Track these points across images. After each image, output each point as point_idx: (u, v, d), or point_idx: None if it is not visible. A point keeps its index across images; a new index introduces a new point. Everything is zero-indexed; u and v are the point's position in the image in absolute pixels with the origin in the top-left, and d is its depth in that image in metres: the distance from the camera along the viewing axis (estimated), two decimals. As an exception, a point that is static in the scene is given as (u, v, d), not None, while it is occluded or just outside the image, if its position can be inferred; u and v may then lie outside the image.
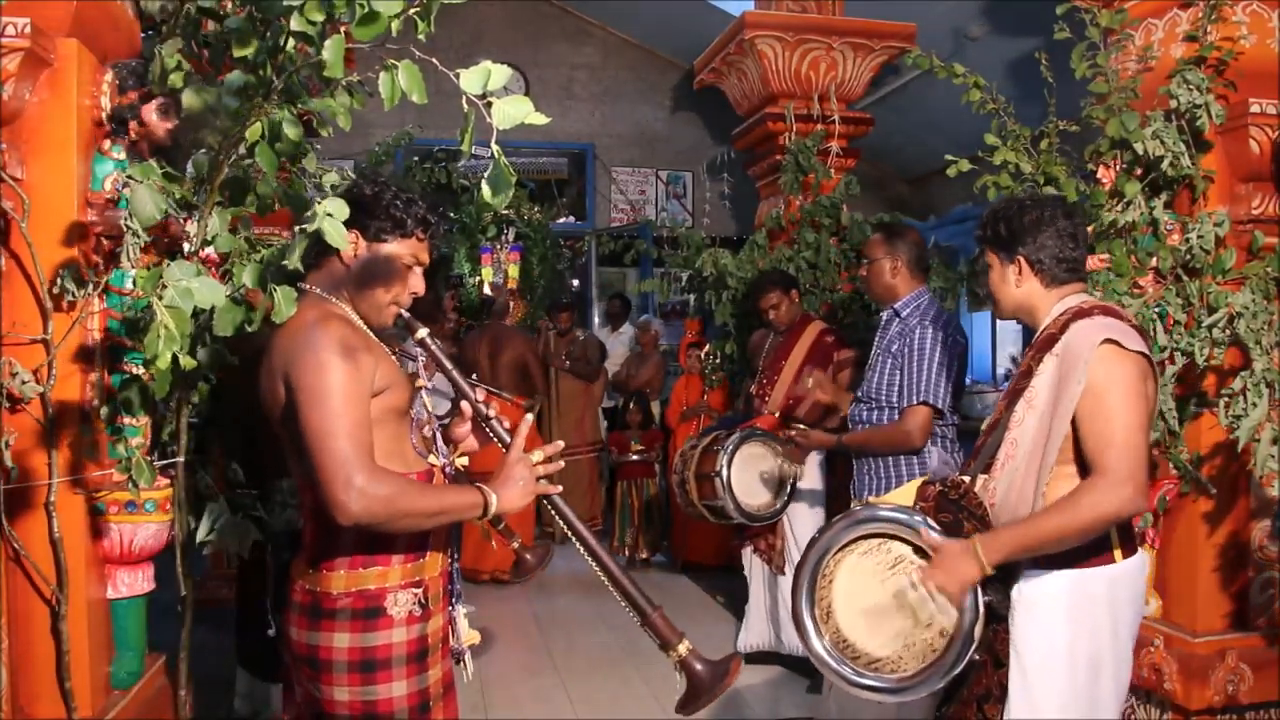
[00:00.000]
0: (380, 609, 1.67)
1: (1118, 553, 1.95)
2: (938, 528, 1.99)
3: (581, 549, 1.83)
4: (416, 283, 1.81)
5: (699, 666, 1.78)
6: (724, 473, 3.60)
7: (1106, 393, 1.86)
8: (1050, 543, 1.88)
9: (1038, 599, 1.95)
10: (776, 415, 3.90)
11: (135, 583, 2.53)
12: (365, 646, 1.66)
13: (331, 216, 1.58)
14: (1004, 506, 1.98)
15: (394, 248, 1.76)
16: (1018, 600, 1.97)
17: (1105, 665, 1.93)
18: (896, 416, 3.04)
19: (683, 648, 1.79)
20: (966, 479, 2.07)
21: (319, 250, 1.75)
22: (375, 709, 1.67)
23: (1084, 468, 1.90)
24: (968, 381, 3.53)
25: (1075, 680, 1.91)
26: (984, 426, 2.15)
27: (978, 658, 1.98)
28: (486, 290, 7.81)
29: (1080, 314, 1.96)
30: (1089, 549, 1.91)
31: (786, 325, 4.11)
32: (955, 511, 1.99)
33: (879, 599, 2.01)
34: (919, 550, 2.00)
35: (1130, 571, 1.97)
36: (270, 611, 1.79)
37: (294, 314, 1.73)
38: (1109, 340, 1.88)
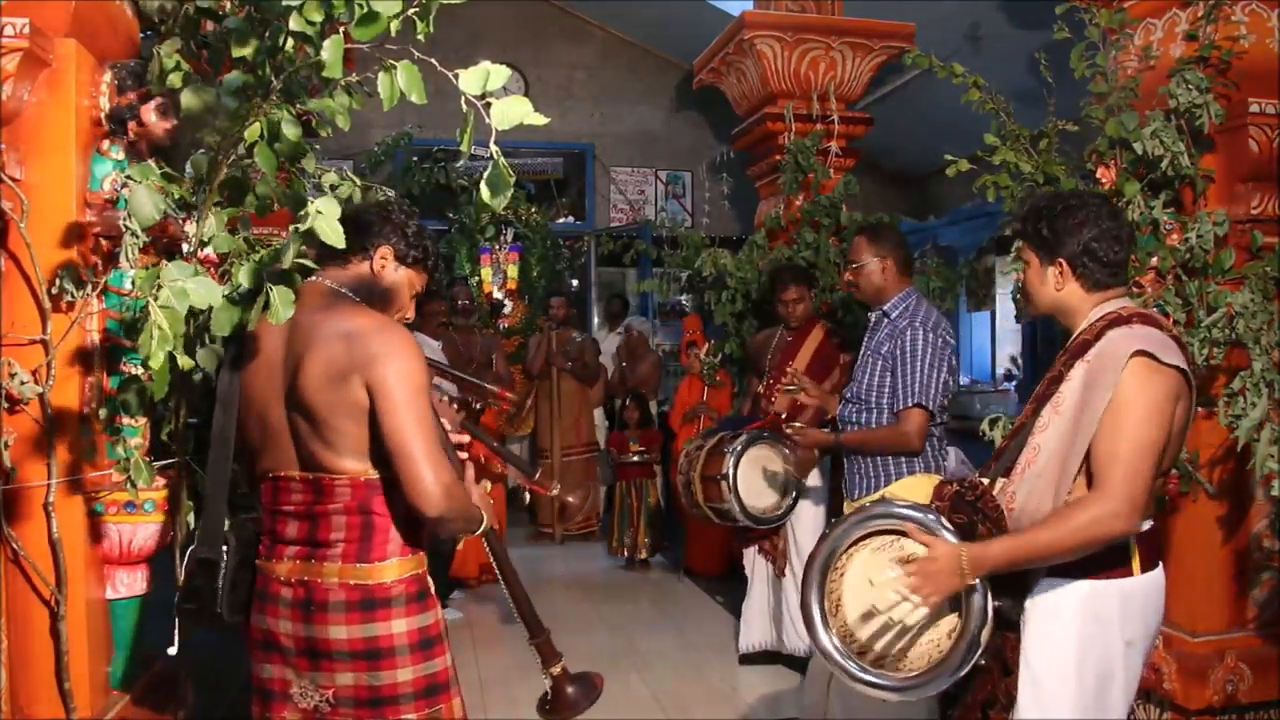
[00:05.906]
0: (426, 591, 1.87)
1: (1135, 565, 1.88)
2: (951, 527, 1.93)
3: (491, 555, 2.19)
4: (412, 310, 2.02)
5: (569, 686, 2.23)
6: (730, 475, 3.59)
7: (1128, 408, 1.79)
8: (1041, 559, 1.84)
9: (1052, 609, 1.90)
10: (782, 416, 3.89)
11: (134, 583, 2.53)
12: (422, 626, 1.84)
13: (322, 214, 1.59)
14: (1024, 512, 1.91)
15: (414, 276, 1.98)
16: (1031, 609, 1.93)
17: (1116, 678, 1.88)
18: (884, 417, 3.04)
19: (557, 668, 2.21)
20: (985, 480, 2.02)
21: (344, 251, 1.79)
22: (436, 679, 1.86)
23: (1090, 478, 1.84)
24: (966, 381, 3.53)
25: (1084, 692, 1.87)
26: (1008, 430, 2.11)
27: (983, 663, 1.94)
28: (498, 294, 7.82)
29: (1117, 321, 1.88)
30: (1106, 559, 1.85)
31: (799, 322, 4.09)
32: (970, 513, 1.93)
33: (890, 595, 1.97)
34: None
35: (1146, 586, 1.90)
36: (238, 613, 1.95)
37: (339, 311, 1.82)
38: (1142, 353, 1.80)
